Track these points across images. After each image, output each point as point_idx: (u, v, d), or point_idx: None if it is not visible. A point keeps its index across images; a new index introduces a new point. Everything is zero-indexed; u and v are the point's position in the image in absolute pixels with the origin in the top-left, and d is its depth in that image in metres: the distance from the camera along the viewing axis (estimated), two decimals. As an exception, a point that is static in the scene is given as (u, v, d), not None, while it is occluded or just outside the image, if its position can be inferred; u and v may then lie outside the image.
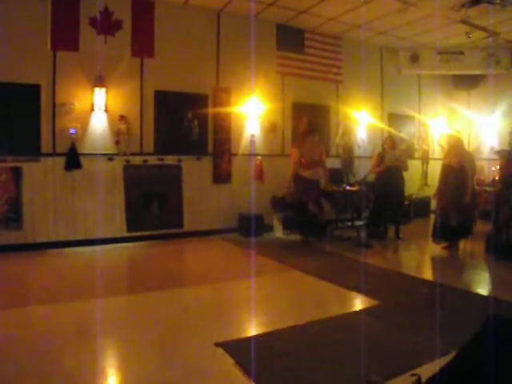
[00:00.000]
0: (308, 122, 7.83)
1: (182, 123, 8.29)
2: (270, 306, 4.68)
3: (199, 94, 8.43)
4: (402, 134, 11.18)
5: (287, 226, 8.09)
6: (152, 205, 8.05)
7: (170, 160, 8.17)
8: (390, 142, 8.45)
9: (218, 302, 4.83)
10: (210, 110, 8.56)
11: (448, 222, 7.12)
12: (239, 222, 8.75)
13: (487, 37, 9.60)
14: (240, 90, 8.78)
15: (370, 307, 4.56)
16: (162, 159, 8.08)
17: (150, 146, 7.99)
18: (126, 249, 7.52)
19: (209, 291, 5.21)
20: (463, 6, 7.95)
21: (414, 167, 10.68)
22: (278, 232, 8.66)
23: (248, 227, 8.28)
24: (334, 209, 8.43)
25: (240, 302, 4.92)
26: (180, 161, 8.26)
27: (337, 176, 9.00)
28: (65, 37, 7.22)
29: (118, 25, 7.64)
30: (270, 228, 8.76)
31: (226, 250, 7.62)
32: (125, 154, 7.72)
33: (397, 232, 8.35)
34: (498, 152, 8.16)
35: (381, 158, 8.31)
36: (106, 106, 7.51)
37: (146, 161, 7.94)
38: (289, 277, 5.87)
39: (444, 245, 7.32)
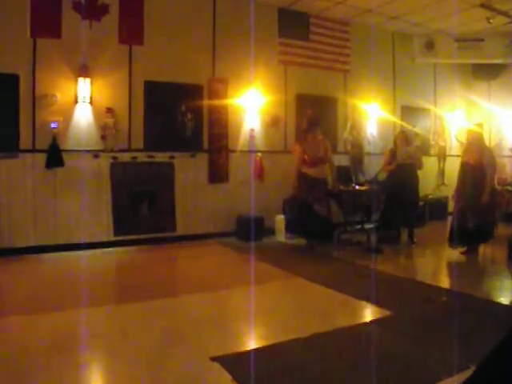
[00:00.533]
0: (310, 116, 7.81)
1: (174, 117, 8.28)
2: (271, 316, 4.66)
3: (193, 84, 8.42)
4: (417, 129, 11.18)
5: (290, 229, 8.07)
6: (142, 206, 8.04)
7: (161, 157, 8.16)
8: (403, 138, 8.43)
9: (215, 312, 4.81)
10: (206, 103, 8.55)
11: (466, 224, 7.10)
12: (237, 225, 8.74)
13: (509, 22, 9.58)
14: (238, 80, 8.77)
15: (381, 318, 4.54)
16: (152, 156, 8.07)
17: (139, 141, 7.98)
18: (113, 254, 7.50)
19: (204, 301, 5.19)
20: (483, -13, 7.95)
21: (429, 165, 10.65)
22: (280, 236, 8.65)
23: (247, 231, 8.27)
24: (342, 210, 8.41)
25: (238, 312, 4.91)
26: (172, 158, 8.25)
27: (345, 174, 8.98)
28: (46, 22, 7.21)
29: (104, 9, 7.63)
30: (272, 231, 8.75)
31: (223, 256, 7.61)
32: (112, 151, 7.71)
33: (410, 236, 8.34)
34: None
35: (393, 154, 8.31)
36: (91, 97, 7.50)
37: (135, 158, 7.93)
38: (292, 285, 5.85)
39: (462, 250, 7.30)
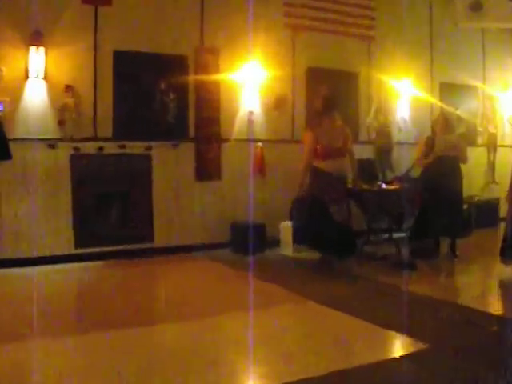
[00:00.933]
0: (326, 95, 7.79)
1: (152, 97, 8.29)
2: (274, 350, 4.65)
3: (176, 55, 8.43)
4: (460, 112, 11.16)
5: (299, 239, 8.05)
6: (111, 210, 8.05)
7: (135, 148, 8.17)
8: (443, 123, 8.42)
9: (204, 344, 4.80)
10: (192, 79, 8.57)
11: (524, 234, 7.10)
12: (232, 235, 8.76)
13: None
14: (233, 50, 8.78)
15: (415, 352, 4.53)
16: (124, 146, 8.07)
17: (107, 127, 7.99)
18: (73, 271, 7.51)
19: (190, 330, 5.18)
20: None
21: (476, 157, 10.66)
22: (287, 248, 8.64)
23: (244, 241, 8.24)
24: (365, 216, 8.41)
25: (233, 345, 4.89)
26: (149, 149, 8.26)
27: (369, 170, 8.98)
28: (-12, -24, 7.21)
29: (62, -41, 7.64)
30: (276, 242, 8.75)
31: (214, 274, 7.62)
32: (72, 140, 7.72)
33: (452, 248, 8.35)
34: None
35: (430, 144, 8.29)
36: (45, 72, 7.51)
37: (101, 148, 7.93)
38: (301, 310, 5.86)
39: (518, 266, 7.31)
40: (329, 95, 7.83)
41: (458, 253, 8.31)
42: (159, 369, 4.24)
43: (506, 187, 7.70)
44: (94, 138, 7.90)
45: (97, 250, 7.93)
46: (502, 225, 8.74)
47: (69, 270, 7.52)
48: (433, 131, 8.58)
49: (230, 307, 5.93)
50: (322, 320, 5.49)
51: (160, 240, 8.39)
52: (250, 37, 8.63)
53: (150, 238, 8.32)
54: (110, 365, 4.30)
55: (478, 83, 11.59)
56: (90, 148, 7.86)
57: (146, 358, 4.46)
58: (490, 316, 5.56)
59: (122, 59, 8.03)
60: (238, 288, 6.88)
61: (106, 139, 7.97)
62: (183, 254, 8.38)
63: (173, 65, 8.39)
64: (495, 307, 6.16)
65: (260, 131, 9.12)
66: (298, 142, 8.79)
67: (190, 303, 6.11)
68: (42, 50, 7.43)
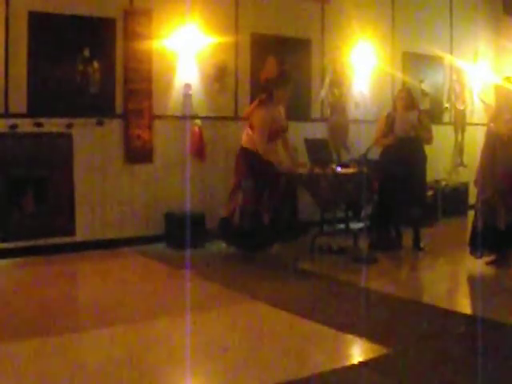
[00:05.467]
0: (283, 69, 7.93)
1: (73, 66, 8.17)
2: (217, 359, 4.65)
3: (101, 18, 8.33)
4: (425, 86, 11.29)
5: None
6: (24, 199, 7.92)
7: (53, 125, 8.05)
8: (406, 99, 8.50)
9: (134, 354, 4.77)
10: (120, 45, 8.48)
11: (495, 222, 7.24)
12: (167, 226, 8.76)
13: None
14: (168, 12, 8.72)
15: (376, 358, 4.58)
16: (40, 124, 7.95)
17: (20, 102, 7.85)
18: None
19: (118, 337, 5.16)
20: None
21: (442, 137, 10.83)
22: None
23: (181, 234, 8.23)
24: (319, 204, 8.46)
25: (168, 353, 4.87)
26: (70, 127, 8.15)
27: (322, 152, 9.00)
28: None
29: None
30: (217, 234, 8.76)
31: (146, 271, 7.64)
32: (-22, 116, 7.59)
33: (416, 239, 8.47)
34: None
35: (390, 123, 8.38)
36: None
37: (13, 126, 7.77)
38: (248, 312, 5.89)
39: (489, 259, 7.46)
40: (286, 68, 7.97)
41: (422, 245, 8.44)
42: (78, 381, 4.21)
43: (476, 171, 7.84)
44: (6, 115, 7.74)
45: (7, 245, 7.81)
46: (472, 213, 8.93)
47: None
48: (394, 108, 8.68)
49: (165, 310, 5.94)
50: (270, 323, 5.53)
51: (82, 233, 8.30)
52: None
53: (71, 231, 8.23)
54: (24, 377, 4.24)
55: (444, 53, 11.72)
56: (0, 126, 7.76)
57: (66, 371, 4.40)
58: (459, 315, 5.69)
59: (39, 22, 7.87)
60: (173, 288, 6.91)
61: (19, 115, 7.80)
62: (110, 250, 8.33)
63: (98, 29, 8.30)
64: (464, 306, 6.29)
65: (198, 107, 9.08)
66: (242, 119, 8.79)
67: (117, 306, 6.07)
68: None
